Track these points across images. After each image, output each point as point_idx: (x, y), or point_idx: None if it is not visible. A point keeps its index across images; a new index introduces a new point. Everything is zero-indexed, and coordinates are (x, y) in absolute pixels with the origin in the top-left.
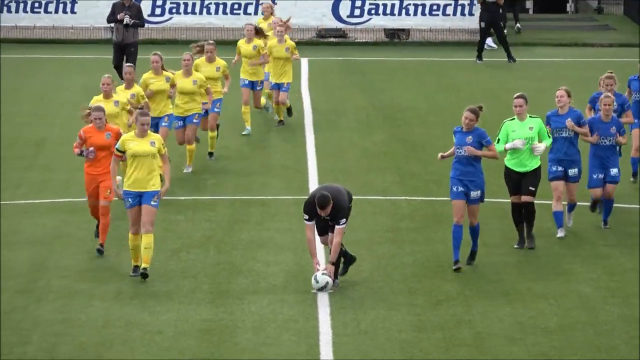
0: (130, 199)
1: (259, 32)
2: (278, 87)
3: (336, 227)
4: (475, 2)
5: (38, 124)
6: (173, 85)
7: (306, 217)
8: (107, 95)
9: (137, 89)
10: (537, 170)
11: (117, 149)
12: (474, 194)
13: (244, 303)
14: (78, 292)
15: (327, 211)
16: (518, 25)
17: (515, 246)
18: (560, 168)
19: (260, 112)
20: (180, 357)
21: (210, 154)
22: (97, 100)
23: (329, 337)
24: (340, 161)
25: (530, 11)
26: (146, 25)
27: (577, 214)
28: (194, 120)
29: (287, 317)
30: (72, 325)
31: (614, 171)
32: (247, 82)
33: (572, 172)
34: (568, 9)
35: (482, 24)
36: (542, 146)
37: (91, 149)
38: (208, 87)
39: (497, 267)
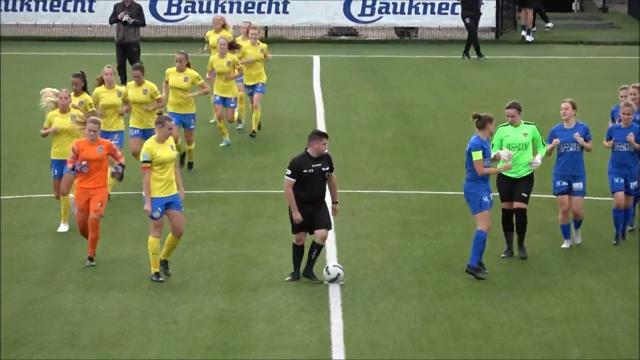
0: (160, 208)
1: (232, 47)
2: (253, 88)
3: (332, 175)
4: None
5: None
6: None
7: (288, 172)
8: (110, 86)
9: (149, 84)
10: (530, 177)
11: (146, 160)
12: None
13: (258, 294)
14: (96, 283)
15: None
16: (549, 24)
17: (502, 255)
18: (564, 183)
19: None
20: (195, 346)
21: (190, 164)
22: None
23: (340, 327)
24: (351, 156)
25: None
26: (162, 23)
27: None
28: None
29: (300, 308)
30: (91, 315)
31: (633, 184)
32: (218, 98)
33: (577, 185)
34: (573, 7)
35: (467, 20)
36: (539, 161)
37: (84, 163)
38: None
39: (503, 261)
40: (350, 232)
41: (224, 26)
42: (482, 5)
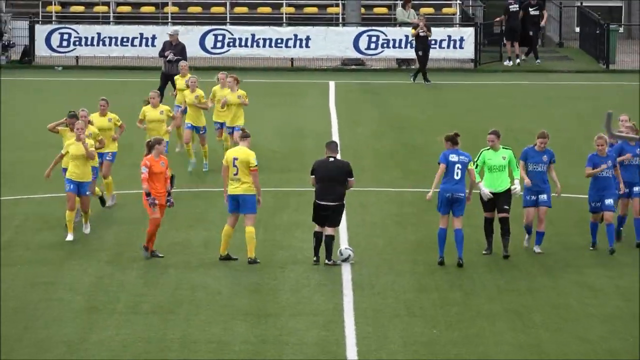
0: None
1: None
2: (232, 129)
3: (350, 180)
4: (420, 37)
5: (127, 130)
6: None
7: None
8: (155, 105)
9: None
10: (509, 191)
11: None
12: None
13: (285, 271)
14: (156, 262)
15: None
16: (538, 61)
17: (484, 252)
18: (533, 197)
19: (291, 124)
20: (235, 312)
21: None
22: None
23: (350, 297)
24: (357, 160)
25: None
26: (209, 55)
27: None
28: (107, 158)
29: (318, 282)
30: (151, 287)
31: (608, 201)
32: (189, 125)
33: (542, 197)
34: (502, 43)
35: (420, 52)
36: (518, 188)
37: (156, 201)
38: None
39: (482, 246)
40: (358, 222)
41: (190, 68)
42: (431, 43)
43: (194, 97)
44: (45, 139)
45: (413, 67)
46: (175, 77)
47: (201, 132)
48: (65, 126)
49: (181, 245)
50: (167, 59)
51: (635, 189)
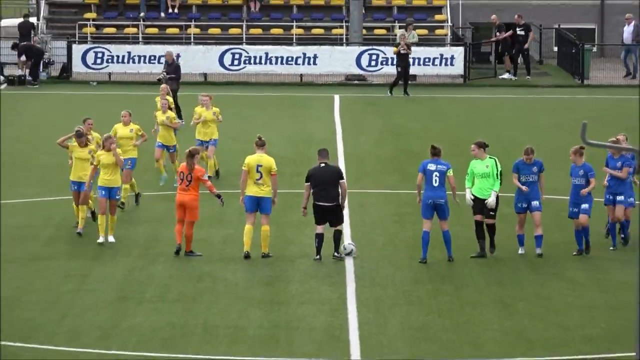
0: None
1: (171, 108)
2: (207, 143)
3: (341, 182)
4: (396, 53)
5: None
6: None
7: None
8: (126, 123)
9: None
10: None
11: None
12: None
13: (294, 264)
14: (180, 256)
15: (327, 158)
16: (528, 77)
17: (474, 255)
18: (524, 205)
19: (300, 133)
20: (250, 301)
21: (136, 196)
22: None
23: (353, 288)
24: (361, 165)
25: (493, 62)
26: (227, 71)
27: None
28: (127, 166)
29: (325, 274)
30: (176, 279)
31: (584, 205)
32: (160, 144)
33: (534, 203)
34: (519, 60)
35: (399, 69)
36: (489, 201)
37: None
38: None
39: (472, 242)
40: (360, 220)
41: (168, 94)
42: (410, 59)
43: (165, 117)
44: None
45: (415, 82)
46: (156, 99)
47: (171, 151)
48: (72, 141)
49: (203, 241)
50: (158, 77)
51: (619, 197)
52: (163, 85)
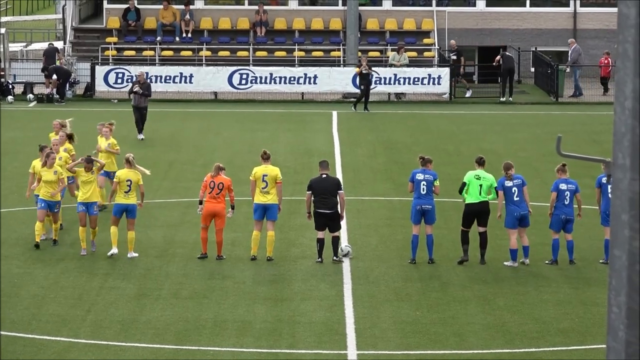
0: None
1: (70, 138)
2: (107, 174)
3: (340, 192)
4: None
5: (170, 151)
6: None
7: (308, 188)
8: (107, 137)
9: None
10: (487, 208)
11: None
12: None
13: (297, 264)
14: (193, 257)
15: (328, 170)
16: (510, 98)
17: (458, 261)
18: (516, 221)
19: (301, 145)
20: (256, 298)
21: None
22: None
23: (349, 285)
24: (357, 175)
25: (476, 82)
26: (236, 90)
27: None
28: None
29: (323, 273)
30: (189, 277)
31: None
32: (102, 171)
33: (523, 222)
34: (499, 80)
35: (362, 87)
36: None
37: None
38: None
39: (456, 245)
40: (356, 224)
41: (63, 126)
42: (373, 78)
43: (107, 144)
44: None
45: (396, 100)
46: (50, 135)
47: (111, 177)
48: (81, 167)
49: (214, 243)
50: (134, 90)
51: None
52: (56, 122)
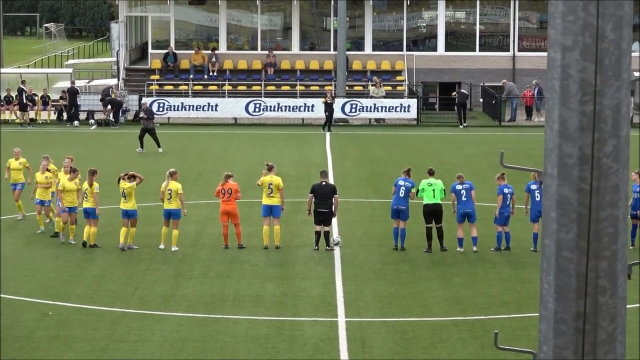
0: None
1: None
2: (16, 186)
3: (335, 196)
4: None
5: (199, 163)
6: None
7: (311, 192)
8: (17, 158)
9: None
10: (440, 208)
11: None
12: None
13: (299, 251)
14: (219, 246)
15: (327, 178)
16: (465, 124)
17: (424, 251)
18: (462, 218)
19: (301, 159)
20: (267, 277)
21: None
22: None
23: (339, 268)
24: (345, 182)
25: (437, 109)
26: (251, 116)
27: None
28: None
29: (319, 258)
30: (216, 262)
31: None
32: (39, 200)
33: (470, 218)
34: (455, 109)
35: (327, 114)
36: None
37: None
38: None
39: (423, 236)
40: (345, 220)
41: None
42: (334, 104)
43: (44, 177)
44: (146, 169)
45: (383, 124)
46: (9, 161)
47: (45, 204)
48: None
49: (233, 235)
50: (140, 116)
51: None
52: (16, 150)
